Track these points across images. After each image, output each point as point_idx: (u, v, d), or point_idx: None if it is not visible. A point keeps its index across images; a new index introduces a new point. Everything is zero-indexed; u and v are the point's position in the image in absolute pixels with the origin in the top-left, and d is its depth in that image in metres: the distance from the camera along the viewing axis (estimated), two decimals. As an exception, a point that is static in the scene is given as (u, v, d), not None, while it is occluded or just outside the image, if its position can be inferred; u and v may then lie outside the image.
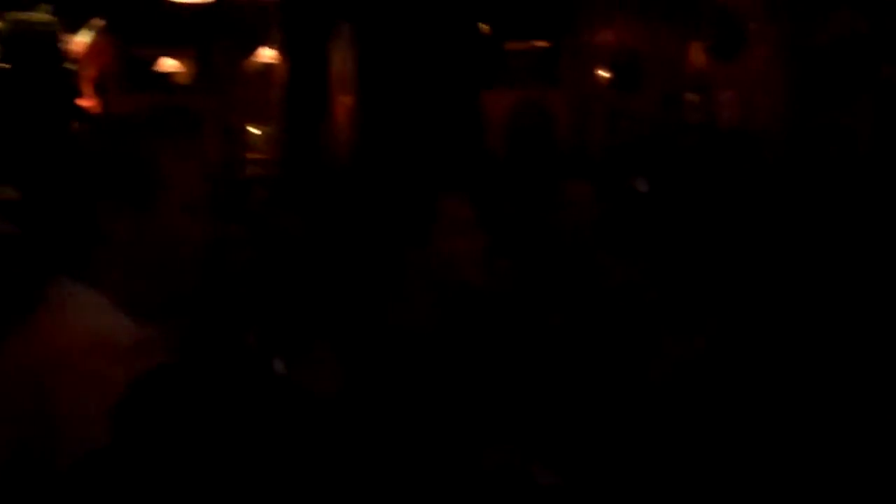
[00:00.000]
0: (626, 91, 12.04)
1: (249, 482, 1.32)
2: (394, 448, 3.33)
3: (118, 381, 1.25)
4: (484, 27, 6.26)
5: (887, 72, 7.40)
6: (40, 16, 7.01)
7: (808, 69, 8.37)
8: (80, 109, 7.81)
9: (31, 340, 1.36)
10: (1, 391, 1.35)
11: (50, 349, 1.32)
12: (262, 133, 11.73)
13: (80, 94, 8.70)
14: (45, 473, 1.27)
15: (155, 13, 10.99)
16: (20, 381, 1.32)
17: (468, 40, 4.73)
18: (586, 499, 2.96)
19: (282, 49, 6.75)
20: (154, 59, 12.30)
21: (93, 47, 10.41)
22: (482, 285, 3.33)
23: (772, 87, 8.83)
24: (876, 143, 7.05)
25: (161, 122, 1.54)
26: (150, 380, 1.19)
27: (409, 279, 3.40)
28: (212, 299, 2.89)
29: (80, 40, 9.66)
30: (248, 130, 12.45)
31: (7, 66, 6.65)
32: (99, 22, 10.11)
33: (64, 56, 7.50)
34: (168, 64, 12.29)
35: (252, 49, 10.60)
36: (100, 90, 11.63)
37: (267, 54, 8.80)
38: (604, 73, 12.37)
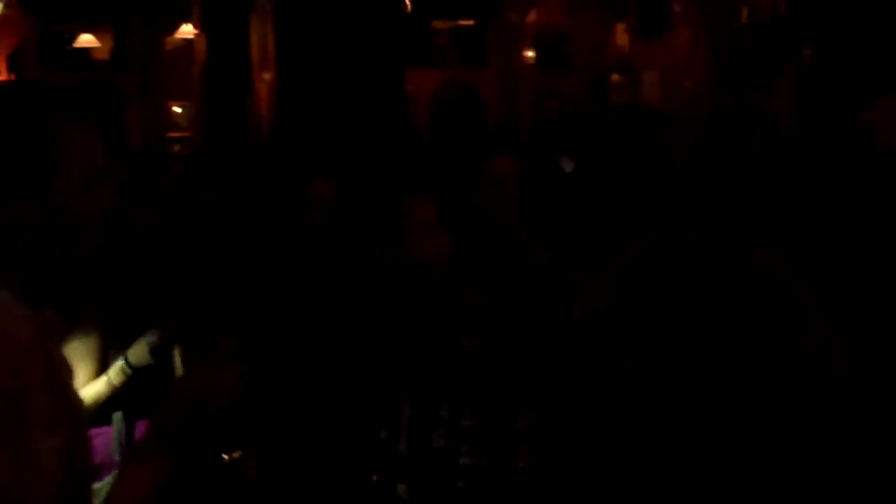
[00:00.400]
0: (553, 71, 12.08)
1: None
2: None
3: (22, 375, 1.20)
4: (407, 4, 6.21)
5: (807, 53, 7.51)
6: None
7: (731, 50, 8.46)
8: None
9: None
10: None
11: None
12: (185, 111, 11.52)
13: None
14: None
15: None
16: None
17: (391, 17, 4.67)
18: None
19: (202, 25, 6.61)
20: (72, 35, 11.98)
21: (3, 22, 10.11)
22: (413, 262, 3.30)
23: (695, 68, 8.91)
24: (796, 122, 7.16)
25: (70, 99, 1.44)
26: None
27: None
28: (112, 284, 2.80)
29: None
30: (170, 108, 12.22)
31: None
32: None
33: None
34: (86, 40, 11.98)
35: (173, 25, 10.38)
36: (14, 66, 11.30)
37: (188, 30, 8.61)
38: (531, 53, 12.38)
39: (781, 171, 5.69)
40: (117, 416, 2.83)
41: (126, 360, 2.80)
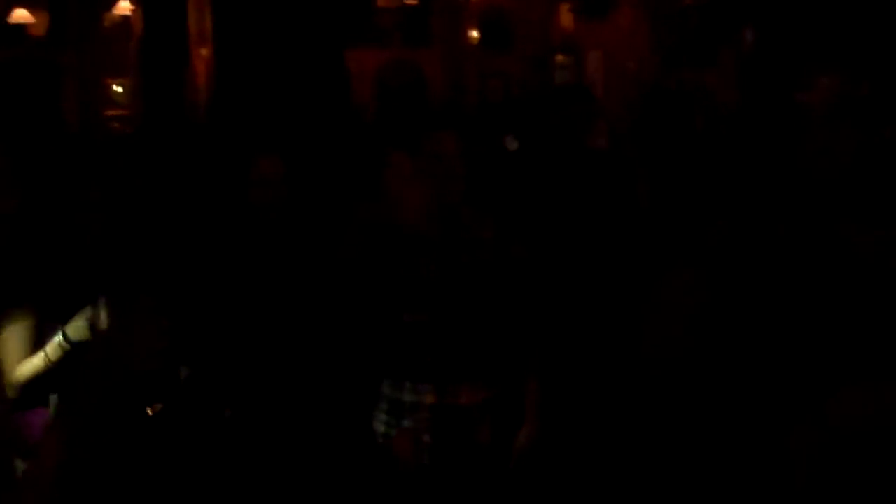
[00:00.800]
0: (497, 51, 12.04)
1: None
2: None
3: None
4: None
5: (747, 33, 7.56)
6: None
7: (674, 31, 8.49)
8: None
9: None
10: None
11: None
12: (125, 88, 11.30)
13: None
14: None
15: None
16: None
17: (331, -6, 4.61)
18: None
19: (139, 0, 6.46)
20: (7, 11, 11.66)
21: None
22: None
23: (638, 49, 8.94)
24: (737, 101, 7.20)
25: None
26: None
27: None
28: (50, 261, 2.75)
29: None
30: (109, 85, 11.99)
31: None
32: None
33: None
34: (22, 16, 11.69)
35: (111, 1, 10.16)
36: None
37: (125, 6, 8.42)
38: (475, 33, 12.33)
39: (723, 149, 5.70)
40: (54, 398, 2.77)
41: (64, 334, 2.74)
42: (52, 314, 2.86)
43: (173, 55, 5.18)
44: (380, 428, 3.10)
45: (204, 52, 4.70)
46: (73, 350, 2.72)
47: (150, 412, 2.00)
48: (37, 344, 2.82)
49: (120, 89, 11.70)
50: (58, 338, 2.78)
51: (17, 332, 2.79)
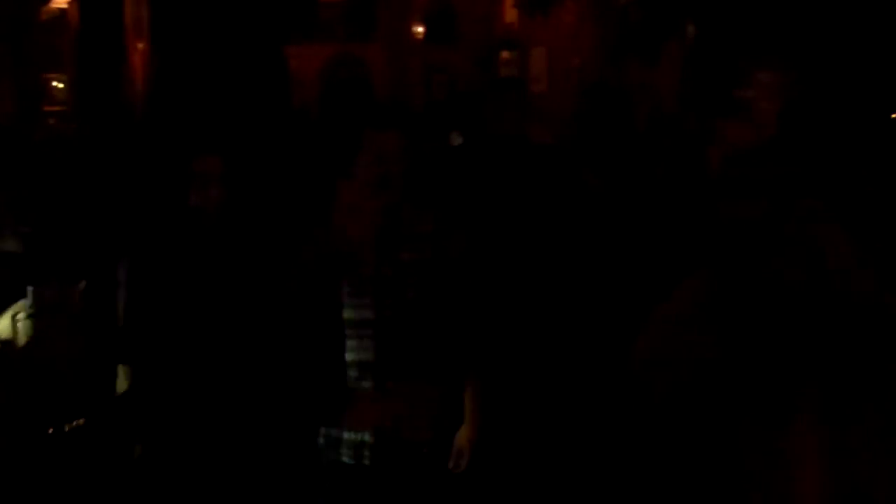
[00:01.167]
0: (442, 46, 12.03)
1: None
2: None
3: None
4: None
5: (691, 31, 7.60)
6: None
7: (617, 27, 8.52)
8: None
9: None
10: None
11: None
12: (65, 84, 11.11)
13: None
14: None
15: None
16: None
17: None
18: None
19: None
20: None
21: None
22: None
23: (581, 45, 8.96)
24: (679, 98, 7.25)
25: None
26: None
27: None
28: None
29: None
30: (46, 80, 11.77)
31: None
32: None
33: None
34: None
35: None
36: None
37: (61, -1, 8.28)
38: (420, 28, 12.30)
39: (667, 145, 5.73)
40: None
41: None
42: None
43: (109, 49, 5.07)
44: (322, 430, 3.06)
45: (140, 45, 4.61)
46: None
47: (67, 428, 1.94)
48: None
49: (61, 85, 11.48)
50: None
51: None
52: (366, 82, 11.81)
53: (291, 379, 3.07)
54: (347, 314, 3.04)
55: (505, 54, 10.83)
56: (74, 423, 1.94)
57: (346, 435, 3.04)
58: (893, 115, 5.29)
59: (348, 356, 3.02)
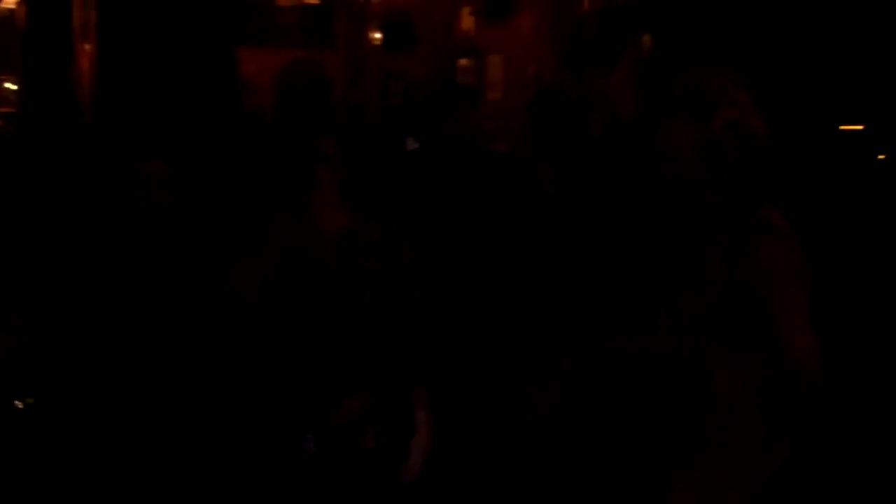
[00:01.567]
0: (400, 53, 11.98)
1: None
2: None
3: None
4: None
5: (645, 41, 7.63)
6: None
7: (574, 36, 8.54)
8: None
9: None
10: None
11: None
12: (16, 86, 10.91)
13: None
14: None
15: None
16: None
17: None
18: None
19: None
20: None
21: None
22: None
23: (538, 53, 8.97)
24: (635, 108, 7.27)
25: None
26: None
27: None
28: None
29: None
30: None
31: None
32: None
33: None
34: None
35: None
36: None
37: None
38: (378, 35, 12.24)
39: (622, 154, 5.74)
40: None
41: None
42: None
43: (57, 51, 4.99)
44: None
45: (88, 46, 4.53)
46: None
47: (19, 405, 1.93)
48: None
49: (14, 87, 11.28)
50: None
51: None
52: (322, 87, 11.73)
53: (246, 386, 3.02)
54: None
55: (462, 62, 10.81)
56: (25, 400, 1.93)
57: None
58: (842, 127, 5.34)
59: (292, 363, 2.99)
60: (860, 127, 5.85)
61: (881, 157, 5.81)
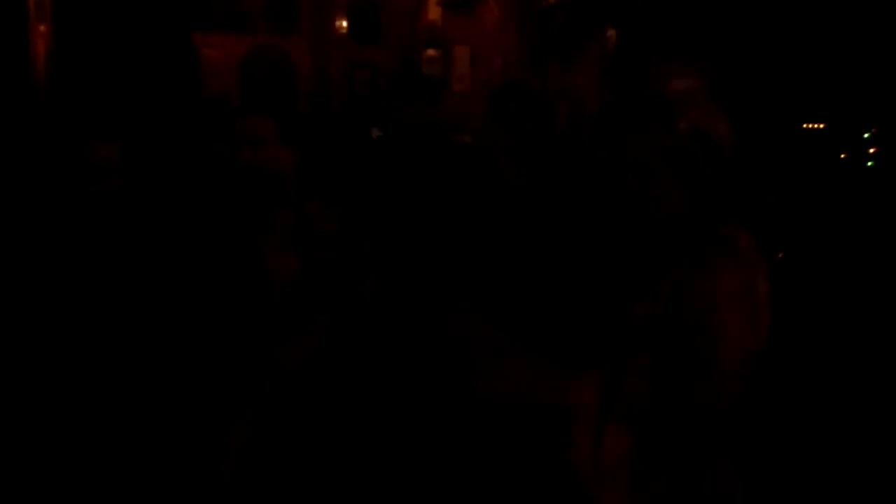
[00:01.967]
0: (366, 42, 11.92)
1: None
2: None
3: None
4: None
5: (610, 35, 7.63)
6: None
7: (539, 28, 8.52)
8: None
9: None
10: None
11: None
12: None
13: None
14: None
15: None
16: None
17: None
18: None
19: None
20: None
21: None
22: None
23: (504, 45, 8.94)
24: (598, 101, 7.27)
25: None
26: None
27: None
28: None
29: None
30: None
31: None
32: None
33: None
34: None
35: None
36: None
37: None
38: (344, 23, 12.17)
39: (585, 148, 5.72)
40: None
41: None
42: None
43: (11, 32, 4.90)
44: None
45: (42, 28, 4.45)
46: None
47: None
48: None
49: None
50: None
51: None
52: (286, 73, 11.65)
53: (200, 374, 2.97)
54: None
55: (429, 52, 10.77)
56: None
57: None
58: (805, 125, 5.36)
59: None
60: (822, 125, 5.88)
61: (843, 155, 5.85)
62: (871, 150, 6.14)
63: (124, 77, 4.12)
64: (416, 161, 4.33)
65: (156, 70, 4.23)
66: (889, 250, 5.05)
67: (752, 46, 5.83)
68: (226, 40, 10.63)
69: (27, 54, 5.04)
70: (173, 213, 3.30)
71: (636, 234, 2.04)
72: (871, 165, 6.25)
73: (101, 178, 3.44)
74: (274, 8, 12.32)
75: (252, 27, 12.04)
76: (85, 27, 4.20)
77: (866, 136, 6.36)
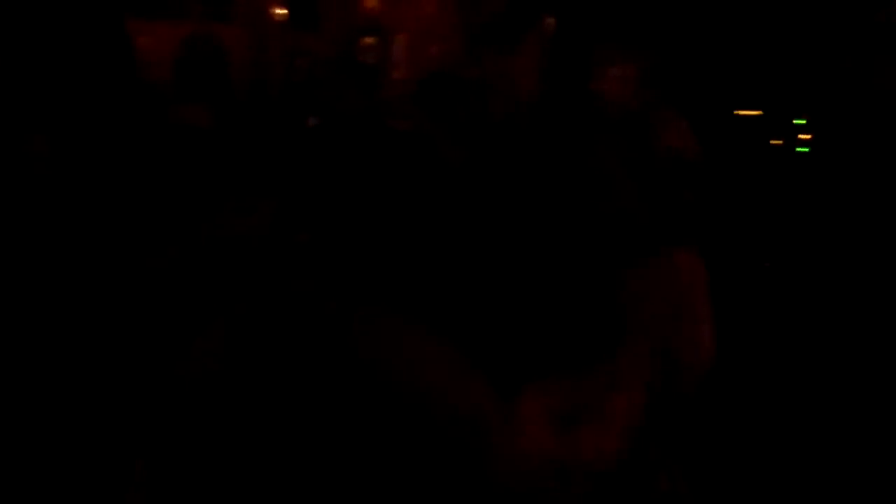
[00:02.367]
0: (303, 30, 11.80)
1: None
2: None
3: None
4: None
5: (549, 23, 7.64)
6: None
7: (477, 16, 8.51)
8: None
9: None
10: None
11: None
12: None
13: None
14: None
15: None
16: None
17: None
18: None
19: None
20: None
21: None
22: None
23: (442, 33, 8.92)
24: (539, 89, 7.27)
25: None
26: None
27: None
28: None
29: None
30: None
31: None
32: None
33: None
34: None
35: None
36: None
37: None
38: (281, 11, 12.04)
39: (523, 137, 5.71)
40: None
41: None
42: None
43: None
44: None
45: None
46: None
47: None
48: None
49: None
50: None
51: None
52: (222, 62, 11.50)
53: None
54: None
55: (366, 40, 10.71)
56: None
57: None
58: (736, 112, 5.41)
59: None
60: (757, 112, 5.95)
61: (776, 142, 5.92)
62: (805, 137, 6.23)
63: (54, 67, 4.02)
64: (351, 148, 4.31)
65: (87, 59, 4.14)
66: (822, 237, 5.13)
67: (687, 33, 5.88)
68: (159, 27, 10.44)
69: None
70: (102, 204, 3.24)
71: (582, 228, 2.03)
72: (803, 152, 6.34)
73: (29, 171, 3.37)
74: (209, -6, 12.16)
75: (186, 14, 11.85)
76: (11, 16, 4.09)
77: (797, 122, 6.45)
